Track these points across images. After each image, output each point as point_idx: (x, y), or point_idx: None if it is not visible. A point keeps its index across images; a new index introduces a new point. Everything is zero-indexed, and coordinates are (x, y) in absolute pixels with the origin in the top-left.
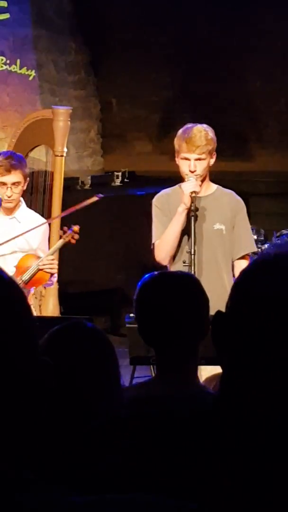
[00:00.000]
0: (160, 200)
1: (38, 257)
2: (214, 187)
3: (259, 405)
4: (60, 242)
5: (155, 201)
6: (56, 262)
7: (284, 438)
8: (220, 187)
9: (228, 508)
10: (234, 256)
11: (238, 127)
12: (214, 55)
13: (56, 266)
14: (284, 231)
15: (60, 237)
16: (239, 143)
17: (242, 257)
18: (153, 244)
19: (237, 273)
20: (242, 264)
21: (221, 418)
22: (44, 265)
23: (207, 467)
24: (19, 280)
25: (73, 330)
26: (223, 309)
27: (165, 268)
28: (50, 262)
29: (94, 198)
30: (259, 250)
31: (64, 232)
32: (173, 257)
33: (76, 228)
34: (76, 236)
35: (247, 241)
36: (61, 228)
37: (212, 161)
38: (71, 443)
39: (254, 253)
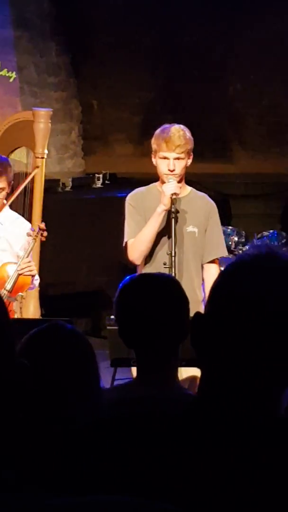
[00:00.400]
0: (135, 198)
1: (13, 263)
2: (188, 189)
3: (238, 406)
4: (31, 243)
5: (129, 199)
6: (33, 263)
7: (263, 439)
8: (194, 189)
9: (208, 509)
10: (204, 260)
11: (219, 129)
12: (196, 57)
13: (34, 267)
14: (265, 233)
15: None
16: (220, 145)
17: (212, 261)
18: (126, 242)
19: (206, 277)
20: (211, 268)
21: (201, 419)
22: (22, 269)
23: (187, 468)
24: (4, 291)
25: (51, 332)
26: (192, 312)
27: (137, 268)
28: (27, 265)
29: (36, 170)
30: (239, 251)
31: (30, 234)
32: (145, 259)
33: (41, 225)
34: (45, 233)
35: (218, 246)
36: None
37: (189, 161)
38: (49, 445)
39: (231, 253)
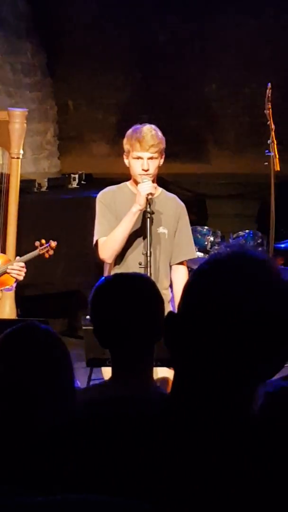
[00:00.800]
0: (106, 196)
1: (9, 260)
2: (159, 190)
3: (211, 405)
4: (34, 253)
5: (100, 197)
6: (24, 270)
7: (236, 437)
8: (164, 190)
9: (181, 508)
10: (173, 261)
11: (195, 130)
12: (172, 58)
13: (23, 275)
14: (241, 233)
15: (36, 248)
16: (197, 146)
17: (181, 263)
18: (97, 240)
19: (174, 278)
20: (180, 270)
21: (174, 418)
22: (13, 269)
23: (161, 467)
24: None
25: (25, 332)
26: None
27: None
28: (19, 269)
29: None
30: (215, 251)
31: (42, 245)
32: (115, 259)
33: (53, 244)
34: (51, 252)
35: (188, 247)
36: (39, 240)
37: (161, 161)
38: (23, 445)
39: (206, 253)
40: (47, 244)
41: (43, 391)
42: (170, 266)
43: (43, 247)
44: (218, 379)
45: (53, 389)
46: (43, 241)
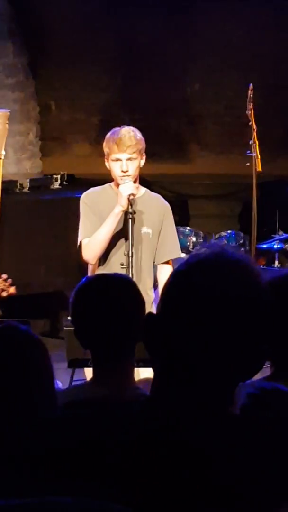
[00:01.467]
0: (89, 197)
1: None
2: (142, 190)
3: (190, 405)
4: None
5: (84, 198)
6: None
7: (215, 436)
8: (148, 190)
9: (162, 509)
10: (158, 260)
11: (177, 130)
12: (154, 58)
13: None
14: (223, 233)
15: None
16: (178, 146)
17: (166, 262)
18: (80, 242)
19: (160, 277)
20: (165, 269)
21: (154, 419)
22: None
23: (140, 469)
24: None
25: (4, 333)
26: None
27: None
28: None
29: None
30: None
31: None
32: (99, 260)
33: (12, 289)
34: (4, 294)
35: (173, 247)
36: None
37: (142, 162)
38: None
39: (187, 253)
40: (7, 288)
41: (22, 392)
42: (156, 266)
43: (2, 282)
44: (197, 379)
45: (32, 390)
46: (4, 276)
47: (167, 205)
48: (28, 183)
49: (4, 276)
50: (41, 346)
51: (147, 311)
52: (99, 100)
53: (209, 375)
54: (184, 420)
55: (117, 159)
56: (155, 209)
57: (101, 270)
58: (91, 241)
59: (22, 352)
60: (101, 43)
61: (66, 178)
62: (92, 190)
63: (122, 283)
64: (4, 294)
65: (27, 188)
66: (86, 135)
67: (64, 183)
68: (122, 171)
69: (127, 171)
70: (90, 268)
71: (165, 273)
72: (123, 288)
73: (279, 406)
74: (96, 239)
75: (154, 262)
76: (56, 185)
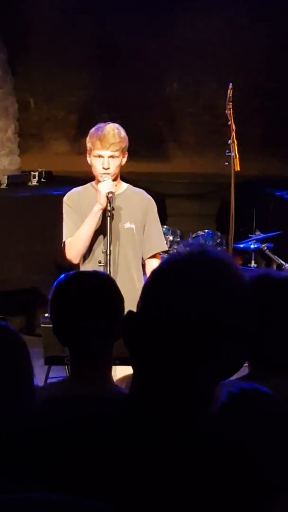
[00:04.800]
0: (71, 198)
1: None
2: (124, 186)
3: (170, 404)
4: None
5: (66, 199)
6: None
7: (195, 435)
8: (131, 186)
9: (143, 508)
10: (145, 255)
11: (155, 128)
12: (133, 57)
13: None
14: (200, 232)
15: None
16: (156, 144)
17: (153, 256)
18: (64, 242)
19: (148, 272)
20: (153, 263)
21: (133, 417)
22: None
23: (119, 466)
24: None
25: None
26: (134, 309)
27: (77, 267)
28: None
29: None
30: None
31: None
32: (84, 256)
33: None
34: None
35: (158, 240)
36: None
37: (124, 160)
38: None
39: (165, 252)
40: None
41: (2, 389)
42: (144, 262)
43: None
44: (175, 378)
45: (12, 387)
46: None
47: (150, 199)
48: (6, 180)
49: None
50: (21, 342)
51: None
52: (78, 98)
53: (189, 373)
54: (163, 418)
55: (99, 156)
56: (138, 203)
57: (86, 267)
58: (72, 240)
59: (1, 347)
60: (81, 41)
61: (44, 175)
62: (73, 190)
63: (101, 280)
64: None
65: (5, 185)
66: (65, 132)
67: (42, 180)
68: (104, 168)
69: (108, 168)
70: (79, 266)
71: (153, 267)
72: (101, 285)
73: (258, 406)
74: (78, 238)
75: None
76: (34, 182)
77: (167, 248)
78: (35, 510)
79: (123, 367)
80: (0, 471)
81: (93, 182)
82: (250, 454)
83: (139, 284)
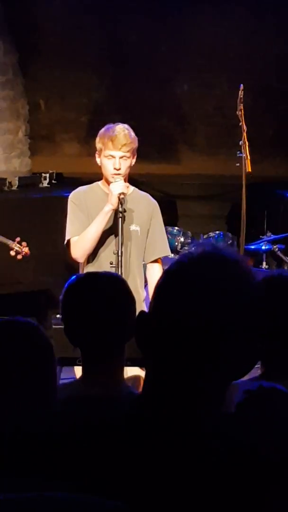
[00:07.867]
0: (77, 196)
1: None
2: (131, 188)
3: (182, 404)
4: (8, 242)
5: (72, 197)
6: None
7: (207, 435)
8: (136, 188)
9: (154, 506)
10: (148, 259)
11: (166, 130)
12: (143, 58)
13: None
14: (211, 233)
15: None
16: (167, 146)
17: (155, 260)
18: (68, 240)
19: (149, 276)
20: (155, 267)
21: (145, 418)
22: None
23: (131, 466)
24: None
25: (16, 327)
26: (137, 311)
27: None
28: None
29: None
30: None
31: (19, 242)
32: (89, 257)
33: (26, 249)
34: (20, 256)
35: (161, 245)
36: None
37: (133, 161)
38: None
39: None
40: (22, 250)
41: (27, 385)
42: (145, 265)
43: (16, 244)
44: (188, 378)
45: (40, 385)
46: (18, 239)
47: (155, 203)
48: (17, 181)
49: (18, 239)
50: (49, 343)
51: (138, 309)
52: (89, 99)
53: (200, 374)
54: (176, 418)
55: (111, 156)
56: (144, 207)
57: (90, 268)
58: (80, 239)
59: (33, 347)
60: (91, 43)
61: (54, 177)
62: (79, 189)
63: (113, 281)
64: (19, 256)
65: (16, 187)
66: (75, 134)
67: (53, 181)
68: (115, 169)
69: (119, 169)
70: (80, 267)
71: (154, 271)
72: (113, 286)
73: (277, 405)
74: (86, 237)
75: (143, 260)
76: (45, 183)
77: (170, 253)
78: (46, 508)
79: (134, 368)
80: (19, 469)
81: (99, 182)
82: (268, 455)
83: (141, 287)
